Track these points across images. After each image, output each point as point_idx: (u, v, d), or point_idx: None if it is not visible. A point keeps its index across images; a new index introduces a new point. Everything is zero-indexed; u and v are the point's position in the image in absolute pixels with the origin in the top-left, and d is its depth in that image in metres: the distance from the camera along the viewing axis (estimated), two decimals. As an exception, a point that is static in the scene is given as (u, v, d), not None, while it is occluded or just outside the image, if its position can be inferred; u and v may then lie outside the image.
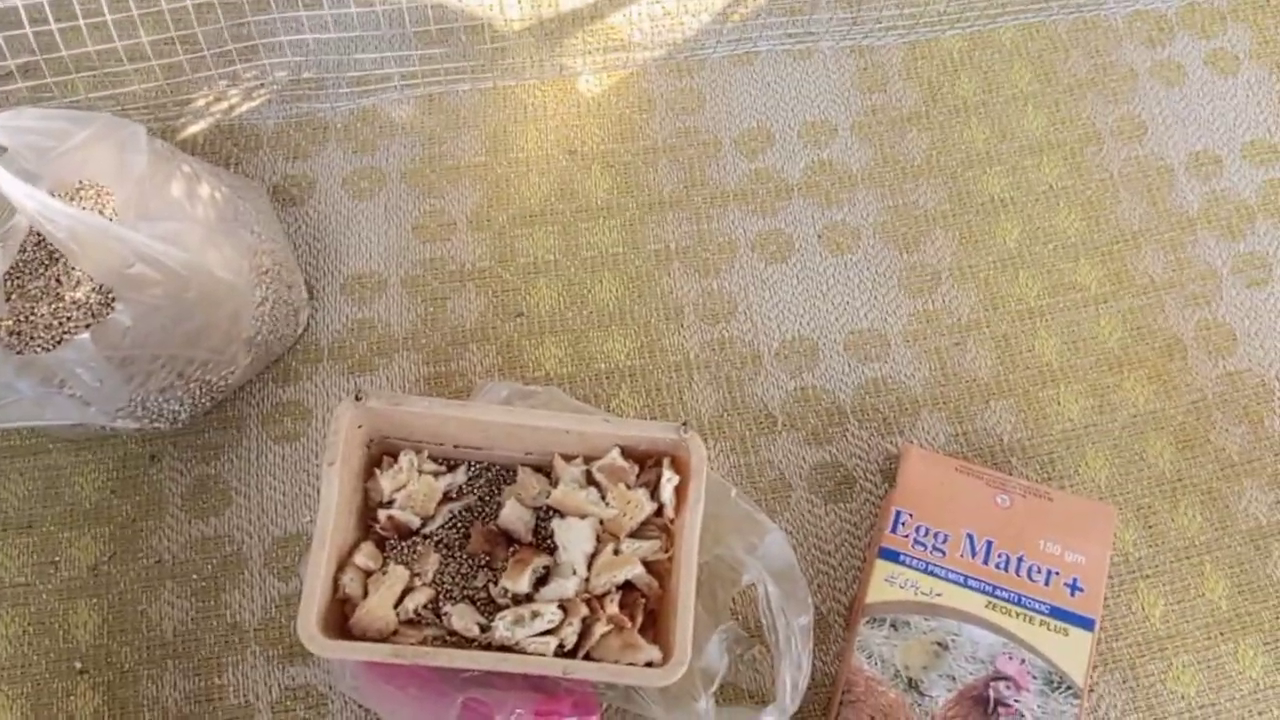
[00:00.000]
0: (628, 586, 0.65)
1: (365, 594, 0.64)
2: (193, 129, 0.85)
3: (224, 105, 0.86)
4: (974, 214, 0.86)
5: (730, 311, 0.81)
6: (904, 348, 0.80)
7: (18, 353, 0.70)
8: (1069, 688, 0.66)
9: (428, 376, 0.78)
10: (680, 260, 0.83)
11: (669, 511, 0.66)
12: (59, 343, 0.69)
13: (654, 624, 0.65)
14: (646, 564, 0.66)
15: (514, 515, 0.67)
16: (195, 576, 0.70)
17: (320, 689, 0.67)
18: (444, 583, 0.66)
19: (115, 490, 0.73)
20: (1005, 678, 0.66)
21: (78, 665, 0.67)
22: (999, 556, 0.69)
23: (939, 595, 0.68)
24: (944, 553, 0.69)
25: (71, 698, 0.67)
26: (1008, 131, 0.89)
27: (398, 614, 0.63)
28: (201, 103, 0.86)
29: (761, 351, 0.80)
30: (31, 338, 0.70)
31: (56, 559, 0.70)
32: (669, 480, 0.65)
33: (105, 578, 0.70)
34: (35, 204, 0.57)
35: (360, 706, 0.66)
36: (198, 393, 0.71)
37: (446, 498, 0.68)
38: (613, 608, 0.63)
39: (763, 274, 0.83)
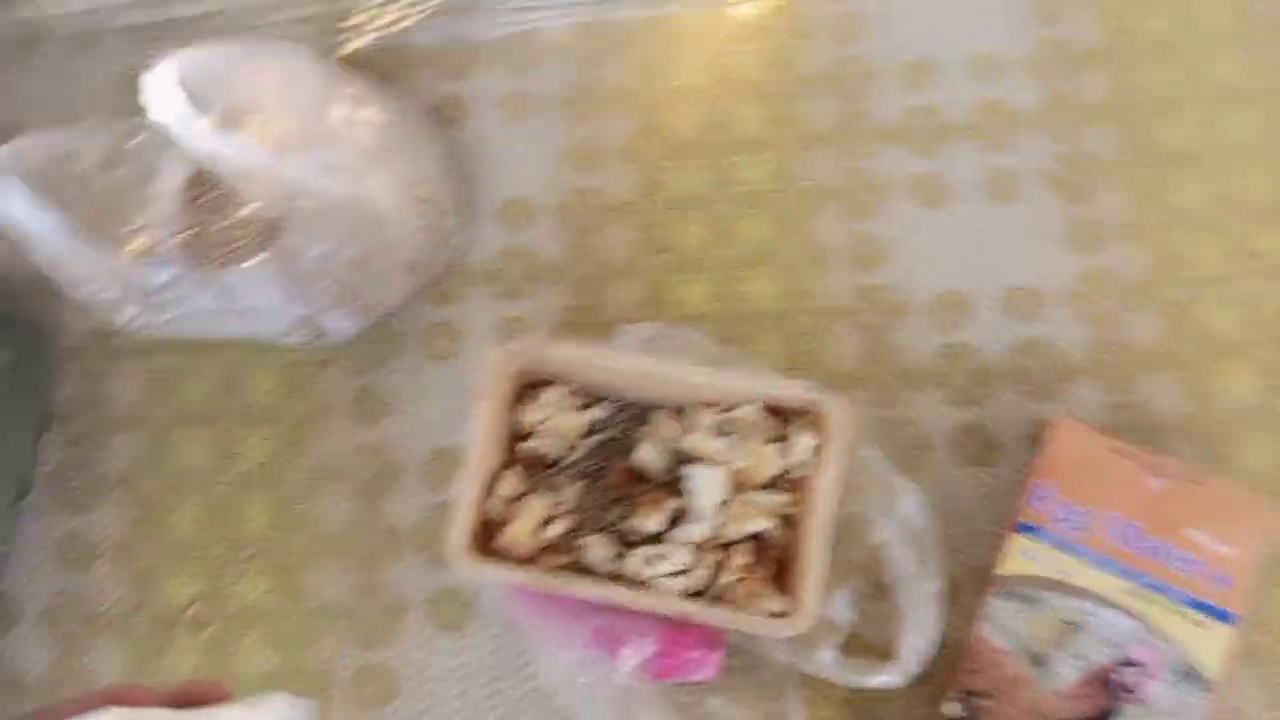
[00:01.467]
0: (757, 537, 0.67)
1: (509, 519, 0.67)
2: (352, 46, 0.87)
3: (383, 21, 0.87)
4: (1152, 167, 0.80)
5: (880, 258, 0.79)
6: (1063, 308, 0.77)
7: (195, 265, 0.75)
8: (1200, 681, 0.64)
9: (573, 307, 0.79)
10: (832, 200, 0.81)
11: (801, 470, 0.67)
12: (233, 258, 0.74)
13: (782, 574, 0.67)
14: (777, 516, 0.67)
15: (649, 456, 0.69)
16: (356, 480, 0.76)
17: (467, 594, 0.72)
18: (581, 513, 0.69)
19: (286, 393, 0.78)
20: (1135, 664, 0.65)
21: (251, 552, 0.74)
22: (1143, 541, 0.67)
23: (1076, 574, 0.67)
24: (1086, 531, 0.68)
25: (244, 579, 0.74)
26: (1198, 77, 0.81)
27: (538, 540, 0.67)
28: (361, 19, 0.87)
29: (910, 302, 0.78)
30: (206, 254, 0.75)
31: (234, 453, 0.77)
32: (807, 441, 0.66)
33: (275, 474, 0.76)
34: (205, 144, 0.60)
35: (501, 615, 0.71)
36: (360, 313, 0.75)
37: (588, 431, 0.71)
38: (741, 557, 0.65)
39: (917, 220, 0.80)
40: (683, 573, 0.65)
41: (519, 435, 0.71)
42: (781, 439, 0.68)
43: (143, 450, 0.77)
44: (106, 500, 0.76)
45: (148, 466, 0.77)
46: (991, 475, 0.73)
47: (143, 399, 0.79)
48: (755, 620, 0.62)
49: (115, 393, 0.79)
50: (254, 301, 0.69)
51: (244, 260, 0.69)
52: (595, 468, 0.71)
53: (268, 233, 0.70)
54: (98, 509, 0.76)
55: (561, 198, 0.82)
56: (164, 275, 0.70)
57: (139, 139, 0.70)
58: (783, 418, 0.69)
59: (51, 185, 0.68)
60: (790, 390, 0.65)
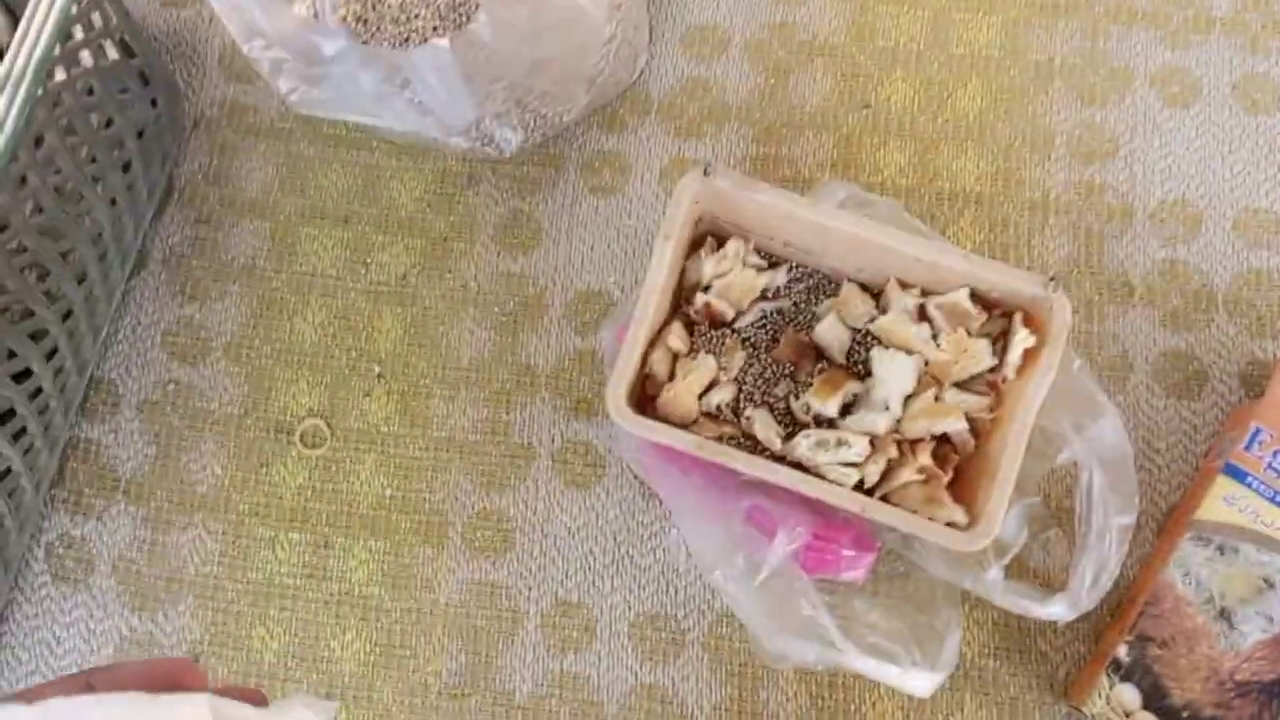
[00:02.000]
0: (941, 439, 0.61)
1: (670, 376, 0.61)
2: None
3: None
4: None
5: (1109, 153, 0.70)
6: (1305, 240, 0.68)
7: (364, 41, 0.67)
8: (1401, 664, 0.59)
9: (755, 156, 0.71)
10: (1063, 80, 0.72)
11: (1009, 371, 0.60)
12: (406, 39, 0.66)
13: (959, 482, 0.61)
14: (967, 419, 0.60)
15: (831, 331, 0.62)
16: (497, 310, 0.70)
17: (600, 449, 0.67)
18: (746, 382, 0.63)
19: (431, 205, 0.71)
20: (1331, 635, 0.59)
21: (377, 369, 0.69)
22: (1363, 506, 0.61)
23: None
24: (1300, 486, 0.61)
25: (368, 398, 0.69)
26: None
27: (701, 405, 0.61)
28: None
29: (1135, 208, 0.69)
30: (379, 27, 0.67)
31: (368, 260, 0.71)
32: (1022, 340, 0.58)
33: (412, 290, 0.70)
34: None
35: (635, 476, 0.66)
36: (531, 124, 0.67)
37: (763, 296, 0.64)
38: (925, 457, 0.58)
39: (1157, 117, 0.71)
40: (856, 465, 0.59)
41: (689, 287, 0.64)
42: (989, 335, 0.61)
43: (270, 242, 0.71)
44: (226, 290, 0.71)
45: (274, 260, 0.71)
46: (1192, 410, 0.66)
47: (276, 186, 0.72)
48: (931, 527, 0.56)
49: (247, 174, 0.73)
50: (426, 92, 0.61)
51: (419, 42, 0.61)
52: (765, 335, 0.64)
53: (452, 14, 0.62)
54: (216, 298, 0.71)
55: (757, 31, 0.73)
56: (331, 46, 0.62)
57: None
58: (981, 308, 0.62)
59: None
60: (1017, 281, 0.58)
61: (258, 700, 0.31)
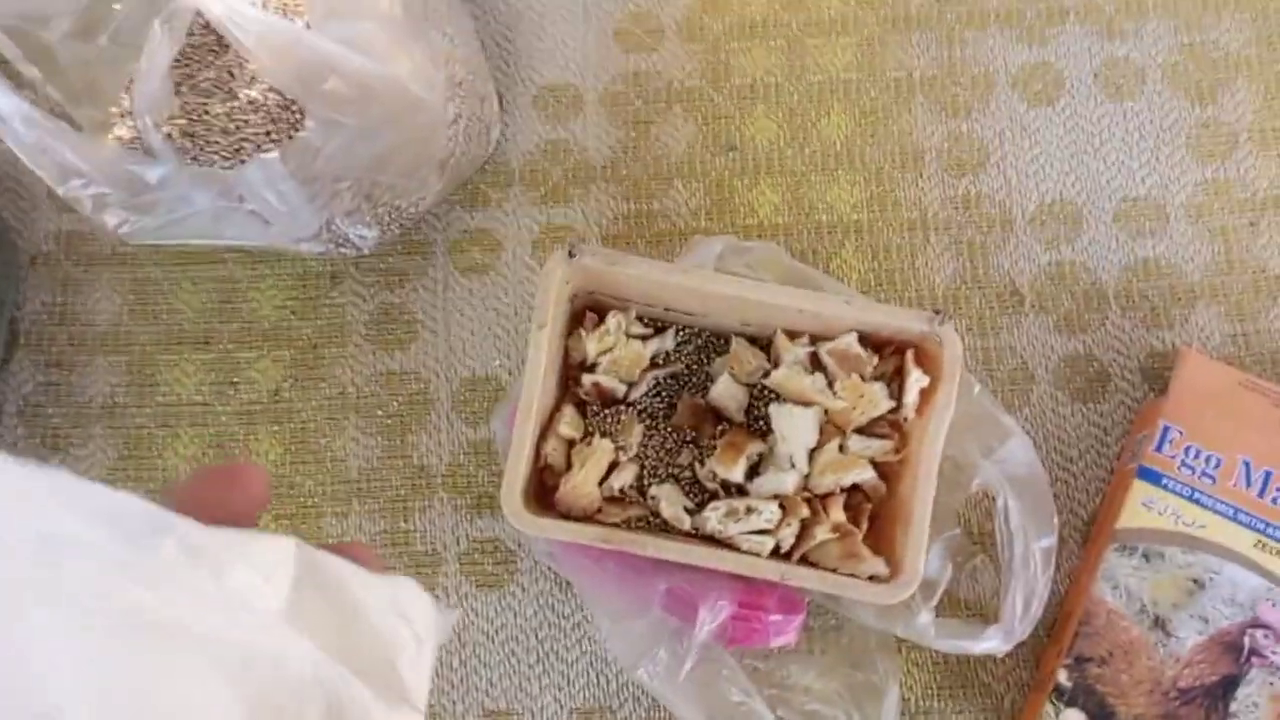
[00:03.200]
0: (851, 489, 0.59)
1: (568, 465, 0.59)
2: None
3: None
4: (1295, 61, 0.70)
5: (980, 162, 0.69)
6: (1185, 224, 0.68)
7: (192, 159, 0.63)
8: (1337, 645, 0.58)
9: (627, 214, 0.69)
10: (924, 94, 0.70)
11: (909, 411, 0.58)
12: (238, 150, 0.62)
13: (874, 530, 0.59)
14: (873, 465, 0.59)
15: (726, 392, 0.60)
16: (380, 412, 0.66)
17: (509, 544, 0.64)
18: (647, 457, 0.60)
19: (295, 311, 0.68)
20: (1265, 626, 0.59)
21: (262, 494, 0.65)
22: (1277, 490, 0.60)
23: (1202, 527, 0.60)
24: (1214, 480, 0.60)
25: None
26: (1359, -46, 0.71)
27: (603, 491, 0.58)
28: None
29: (1014, 214, 0.68)
30: (208, 141, 0.63)
31: (235, 380, 0.67)
32: (916, 380, 0.57)
33: (286, 405, 0.66)
34: (222, 7, 0.48)
35: (550, 569, 0.63)
36: (386, 218, 0.64)
37: (652, 364, 0.62)
38: (838, 512, 0.57)
39: (1023, 118, 0.70)
40: (769, 531, 0.56)
41: (575, 366, 0.61)
42: (882, 376, 0.59)
43: (128, 376, 0.67)
44: (90, 434, 0.66)
45: (134, 395, 0.67)
46: (1099, 413, 0.65)
47: (125, 315, 0.68)
48: (852, 584, 0.54)
49: (94, 307, 0.68)
50: (263, 206, 0.57)
51: (252, 153, 0.58)
52: (661, 404, 0.62)
53: (280, 119, 0.58)
54: (79, 444, 0.66)
55: (610, 83, 0.71)
56: (154, 172, 0.58)
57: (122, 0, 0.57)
58: (877, 351, 0.60)
59: (14, 56, 0.56)
60: (903, 320, 0.56)
61: (366, 559, 0.25)
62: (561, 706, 0.61)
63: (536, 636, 0.63)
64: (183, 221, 0.61)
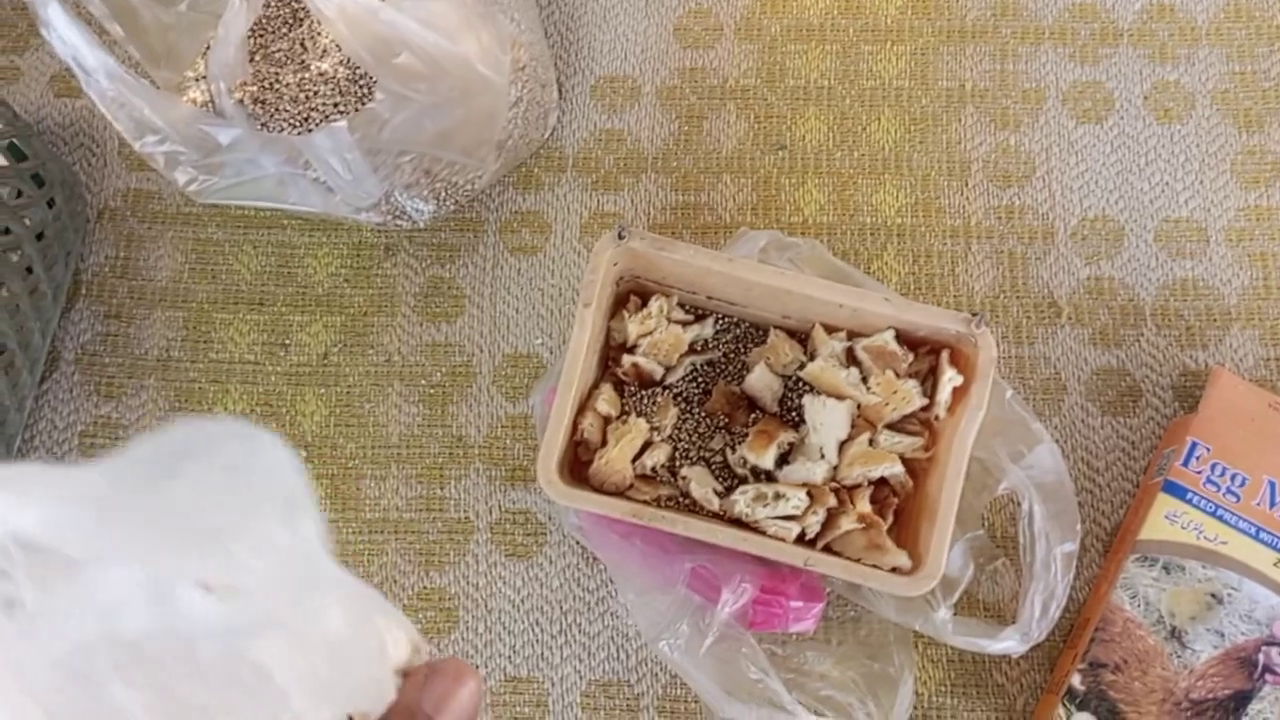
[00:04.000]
0: (879, 482, 0.60)
1: (603, 441, 0.60)
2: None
3: None
4: (1345, 93, 0.70)
5: (1026, 175, 0.70)
6: (1225, 247, 0.69)
7: (262, 125, 0.66)
8: (1352, 669, 0.59)
9: (674, 205, 0.71)
10: (975, 105, 0.72)
11: (940, 410, 0.59)
12: (306, 119, 0.65)
13: (900, 524, 0.60)
14: (903, 460, 0.60)
15: (762, 381, 0.62)
16: (424, 382, 0.68)
17: (540, 517, 0.66)
18: (680, 439, 0.62)
19: (348, 279, 0.70)
20: (1281, 645, 0.59)
21: (303, 454, 0.67)
22: (1302, 513, 0.61)
23: (1224, 543, 0.60)
24: (1238, 497, 0.61)
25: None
26: None
27: (635, 469, 0.60)
28: None
29: (1056, 228, 0.69)
30: (278, 109, 0.66)
31: (287, 342, 0.69)
32: (950, 379, 0.58)
33: (334, 369, 0.68)
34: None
35: (579, 543, 0.65)
36: (443, 193, 0.66)
37: (691, 349, 0.63)
38: (864, 504, 0.58)
39: (1071, 134, 0.71)
40: (795, 517, 0.58)
41: (616, 346, 0.63)
42: (917, 374, 0.60)
43: (184, 332, 0.69)
44: (142, 385, 0.69)
45: (189, 350, 0.69)
46: (1129, 427, 0.66)
47: (186, 273, 0.70)
48: (874, 574, 0.56)
49: (155, 264, 0.71)
50: (328, 173, 0.60)
51: (319, 122, 0.60)
52: (697, 389, 0.64)
53: (348, 92, 0.61)
54: (132, 394, 0.68)
55: (667, 78, 0.73)
56: (226, 135, 0.60)
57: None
58: (913, 350, 0.61)
59: (101, 14, 0.58)
60: (941, 320, 0.57)
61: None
62: (581, 677, 0.63)
63: (561, 608, 0.64)
64: (249, 184, 0.64)
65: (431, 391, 0.68)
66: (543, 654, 0.64)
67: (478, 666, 0.64)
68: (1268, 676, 0.59)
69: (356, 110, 0.63)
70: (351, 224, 0.71)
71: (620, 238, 0.58)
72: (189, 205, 0.72)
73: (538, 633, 0.64)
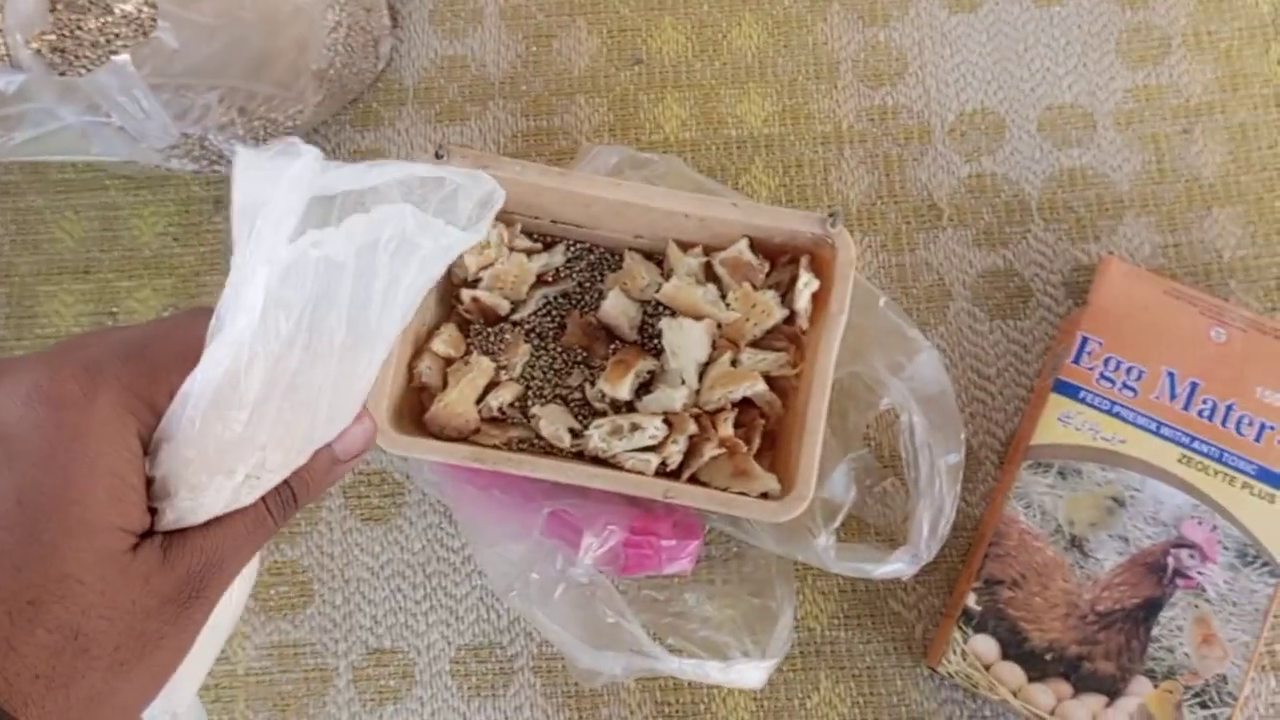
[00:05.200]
0: (745, 404, 0.55)
1: (444, 385, 0.55)
2: None
3: None
4: (1230, -40, 0.66)
5: (898, 72, 0.66)
6: (1113, 132, 0.64)
7: (60, 73, 0.60)
8: (1265, 564, 0.55)
9: (526, 131, 0.66)
10: (841, 2, 0.67)
11: (802, 321, 0.55)
12: (103, 63, 0.59)
13: (772, 447, 0.56)
14: (769, 379, 0.55)
15: (617, 308, 0.57)
16: (264, 343, 0.63)
17: (397, 476, 0.61)
18: (533, 378, 0.57)
19: (177, 238, 0.65)
20: (1189, 545, 0.55)
21: (143, 427, 0.62)
22: (1203, 402, 0.57)
23: (1122, 442, 0.56)
24: (1135, 392, 0.57)
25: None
26: None
27: (480, 411, 0.55)
28: None
29: (932, 126, 0.65)
30: (77, 56, 0.60)
31: (114, 310, 0.64)
32: (806, 284, 0.53)
33: (169, 336, 0.63)
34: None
35: (440, 501, 0.60)
36: (262, 132, 0.60)
37: (540, 281, 0.58)
38: (726, 428, 0.53)
39: (944, 25, 0.66)
40: (655, 448, 0.53)
41: (458, 284, 0.58)
42: (778, 285, 0.56)
43: (7, 308, 0.64)
44: (-34, 367, 0.63)
45: (13, 327, 0.64)
46: (1019, 329, 0.62)
47: (7, 245, 0.65)
48: (740, 502, 0.51)
49: (-31, 238, 0.65)
50: (122, 115, 0.54)
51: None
52: (551, 324, 0.59)
53: (150, 26, 0.55)
54: (-44, 377, 0.63)
55: (508, -4, 0.67)
56: (11, 82, 0.55)
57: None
58: (771, 260, 0.56)
59: None
60: (793, 222, 0.52)
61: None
62: (449, 643, 0.58)
63: (424, 572, 0.60)
64: (50, 138, 0.58)
65: (273, 350, 0.63)
66: (407, 622, 0.59)
67: (336, 642, 0.59)
68: (1179, 581, 0.55)
69: (140, 43, 0.57)
70: (178, 179, 0.65)
71: (438, 157, 0.53)
72: (7, 174, 0.66)
73: (400, 600, 0.59)
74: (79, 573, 0.28)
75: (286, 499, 0.33)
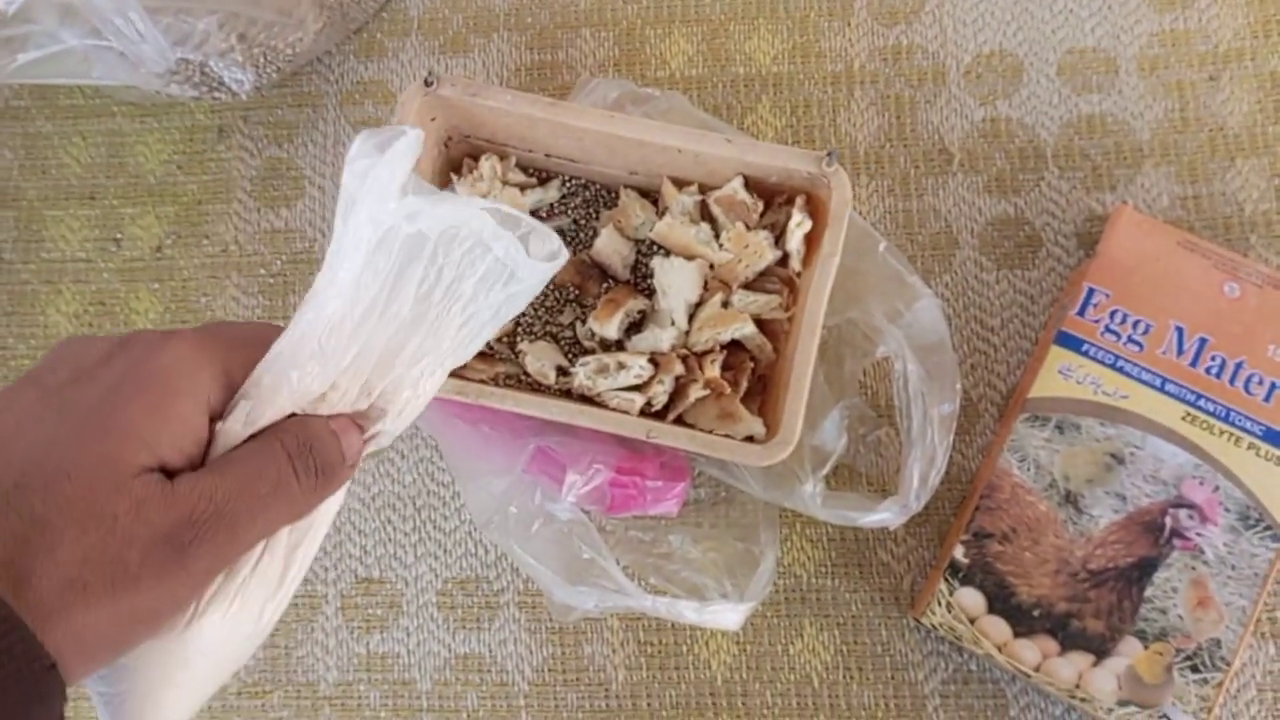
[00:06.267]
0: (735, 346, 0.55)
1: (433, 317, 0.55)
2: None
3: None
4: (1273, -103, 0.62)
5: (914, 10, 0.63)
6: (1136, 77, 0.62)
7: (60, -4, 0.60)
8: (1268, 528, 0.53)
9: (530, 65, 0.65)
10: (858, -63, 0.65)
11: (795, 263, 0.53)
12: (104, -14, 0.59)
13: (763, 392, 0.55)
14: (761, 322, 0.54)
15: (610, 246, 0.56)
16: (263, 271, 0.63)
17: (389, 410, 0.61)
18: (524, 315, 0.57)
19: (181, 166, 0.65)
20: (1189, 505, 0.54)
21: (144, 353, 0.63)
22: (1212, 359, 0.55)
23: (1125, 397, 0.55)
24: (1141, 346, 0.55)
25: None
26: None
27: (467, 345, 0.55)
28: None
29: (947, 67, 0.63)
30: (78, -21, 0.60)
31: (119, 236, 0.64)
32: (799, 224, 0.52)
33: (168, 262, 0.64)
34: None
35: (430, 435, 0.60)
36: (262, 60, 0.60)
37: (535, 216, 0.58)
38: (713, 370, 0.52)
39: (964, -37, 0.64)
40: (640, 387, 0.53)
41: (450, 217, 0.57)
42: (773, 226, 0.54)
43: (15, 231, 0.65)
44: (-25, 289, 0.64)
45: (20, 251, 0.65)
46: (1027, 280, 0.60)
47: (15, 170, 0.66)
48: (724, 444, 0.50)
49: (-22, 162, 0.66)
50: (118, 38, 0.54)
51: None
52: (544, 259, 0.58)
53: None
54: (-34, 299, 0.64)
55: (515, -74, 0.66)
56: (16, 2, 0.55)
57: None
58: (767, 200, 0.55)
59: None
60: (788, 160, 0.51)
61: None
62: (437, 575, 0.59)
63: (414, 504, 0.60)
64: (53, 60, 0.58)
65: (271, 281, 0.63)
66: (395, 553, 0.59)
67: (326, 570, 0.59)
68: (1176, 541, 0.53)
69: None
70: (183, 107, 0.65)
71: (428, 85, 0.52)
72: (18, 98, 0.67)
73: (390, 531, 0.60)
74: (70, 467, 0.26)
75: (310, 469, 0.31)
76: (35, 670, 0.25)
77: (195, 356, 0.29)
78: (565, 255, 0.33)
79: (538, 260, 0.32)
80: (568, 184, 0.58)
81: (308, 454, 0.31)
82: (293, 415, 0.31)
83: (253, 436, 0.30)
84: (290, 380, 0.30)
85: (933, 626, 0.54)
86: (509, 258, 0.32)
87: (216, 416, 0.30)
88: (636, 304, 0.55)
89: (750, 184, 0.54)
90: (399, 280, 0.31)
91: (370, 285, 0.31)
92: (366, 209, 0.30)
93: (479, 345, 0.34)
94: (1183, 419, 0.54)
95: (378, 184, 0.30)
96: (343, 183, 0.30)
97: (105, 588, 0.26)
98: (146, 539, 0.27)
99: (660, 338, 0.53)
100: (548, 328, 0.57)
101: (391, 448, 0.61)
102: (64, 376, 0.29)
